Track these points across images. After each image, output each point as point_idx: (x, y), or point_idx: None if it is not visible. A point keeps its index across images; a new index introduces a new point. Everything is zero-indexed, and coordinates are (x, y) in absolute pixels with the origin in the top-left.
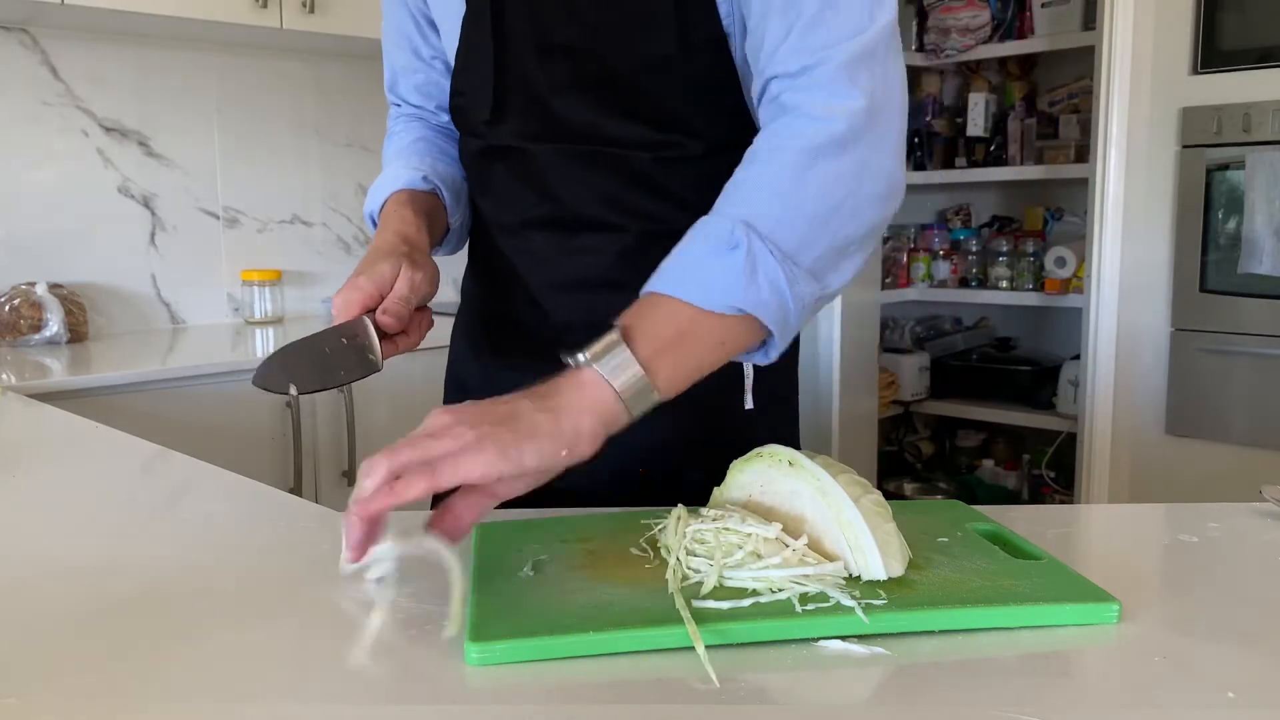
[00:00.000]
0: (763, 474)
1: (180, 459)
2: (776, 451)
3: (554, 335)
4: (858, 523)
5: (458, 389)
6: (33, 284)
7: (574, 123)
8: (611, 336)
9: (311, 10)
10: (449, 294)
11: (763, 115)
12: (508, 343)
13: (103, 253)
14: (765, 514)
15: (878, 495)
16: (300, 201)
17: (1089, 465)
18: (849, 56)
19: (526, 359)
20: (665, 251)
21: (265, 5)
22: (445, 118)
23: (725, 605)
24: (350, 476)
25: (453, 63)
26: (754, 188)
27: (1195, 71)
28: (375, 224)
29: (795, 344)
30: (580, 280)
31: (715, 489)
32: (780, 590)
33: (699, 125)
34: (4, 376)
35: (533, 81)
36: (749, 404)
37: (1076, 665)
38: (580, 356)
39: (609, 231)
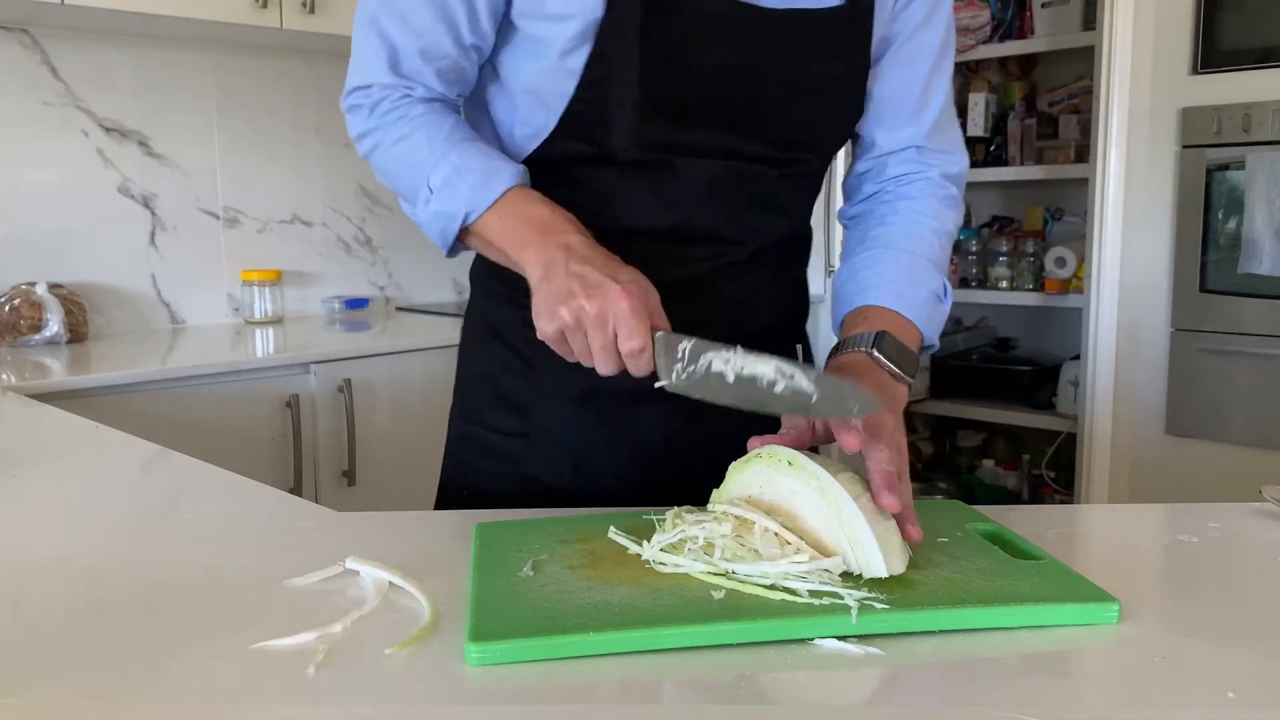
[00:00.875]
0: (762, 474)
1: (180, 459)
2: (776, 451)
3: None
4: (857, 520)
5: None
6: (33, 284)
7: (705, 139)
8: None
9: (311, 10)
10: (448, 294)
11: (894, 172)
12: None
13: (103, 253)
14: (766, 513)
15: None
16: (300, 201)
17: (1089, 465)
18: (963, 178)
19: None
20: (766, 268)
21: (265, 5)
22: (457, 101)
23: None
24: (350, 476)
25: (561, 67)
26: (937, 254)
27: (1195, 71)
28: (466, 223)
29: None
30: (670, 286)
31: (715, 490)
32: (778, 586)
33: (824, 144)
34: (4, 376)
35: (675, 100)
36: None
37: (1076, 665)
38: (881, 358)
39: (721, 245)
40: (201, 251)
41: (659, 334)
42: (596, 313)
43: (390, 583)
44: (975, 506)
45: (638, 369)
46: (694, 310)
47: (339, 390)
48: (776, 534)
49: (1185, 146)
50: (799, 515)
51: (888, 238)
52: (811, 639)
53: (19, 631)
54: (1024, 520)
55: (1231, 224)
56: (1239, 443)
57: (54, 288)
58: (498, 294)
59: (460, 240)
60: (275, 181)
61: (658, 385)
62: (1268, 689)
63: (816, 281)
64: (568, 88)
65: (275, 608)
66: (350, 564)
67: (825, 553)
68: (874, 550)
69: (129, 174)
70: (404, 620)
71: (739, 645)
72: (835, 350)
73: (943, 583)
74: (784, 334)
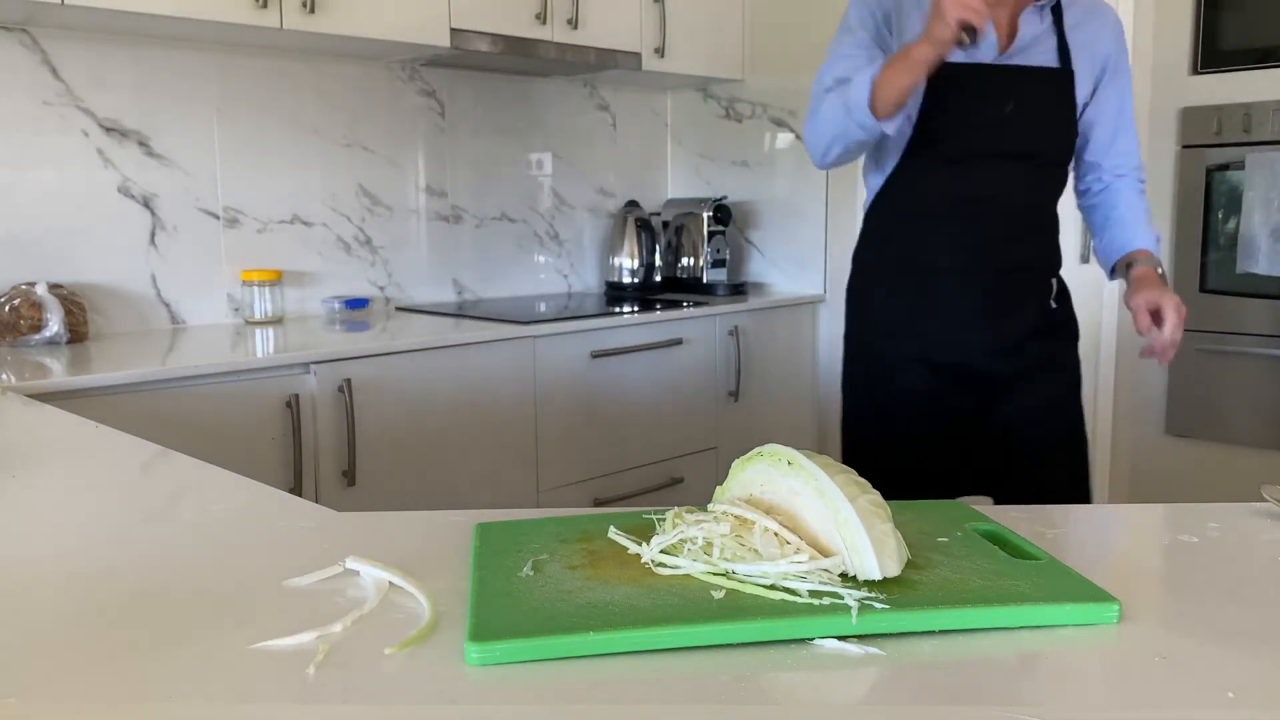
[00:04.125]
0: (763, 472)
1: (180, 459)
2: (777, 451)
3: (952, 280)
4: (853, 522)
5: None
6: (33, 284)
7: (985, 147)
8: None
9: (311, 10)
10: (448, 294)
11: (1106, 175)
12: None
13: (103, 253)
14: (765, 512)
15: (876, 495)
16: (300, 201)
17: (1089, 465)
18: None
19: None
20: (1026, 222)
21: (265, 5)
22: None
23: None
24: (350, 476)
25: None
26: (1147, 215)
27: (1195, 71)
28: (871, 82)
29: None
30: (974, 247)
31: (718, 487)
32: (778, 586)
33: (1049, 152)
34: (4, 376)
35: (969, 125)
36: (1053, 305)
37: (1076, 665)
38: (1159, 269)
39: (996, 205)
40: (201, 251)
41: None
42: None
43: (390, 583)
44: (975, 506)
45: (976, 13)
46: (995, 248)
47: (339, 390)
48: (776, 534)
49: (1185, 146)
50: (798, 515)
51: (1122, 216)
52: (811, 639)
53: (19, 631)
54: (1024, 520)
55: (1231, 224)
56: (1239, 443)
57: (54, 288)
58: (893, 257)
59: (873, 109)
60: (275, 181)
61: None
62: (1268, 689)
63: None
64: (899, 149)
65: (275, 608)
66: (350, 564)
67: (824, 553)
68: (868, 553)
69: (129, 174)
70: (404, 620)
71: (739, 645)
72: (1129, 264)
73: (942, 583)
74: (1043, 271)
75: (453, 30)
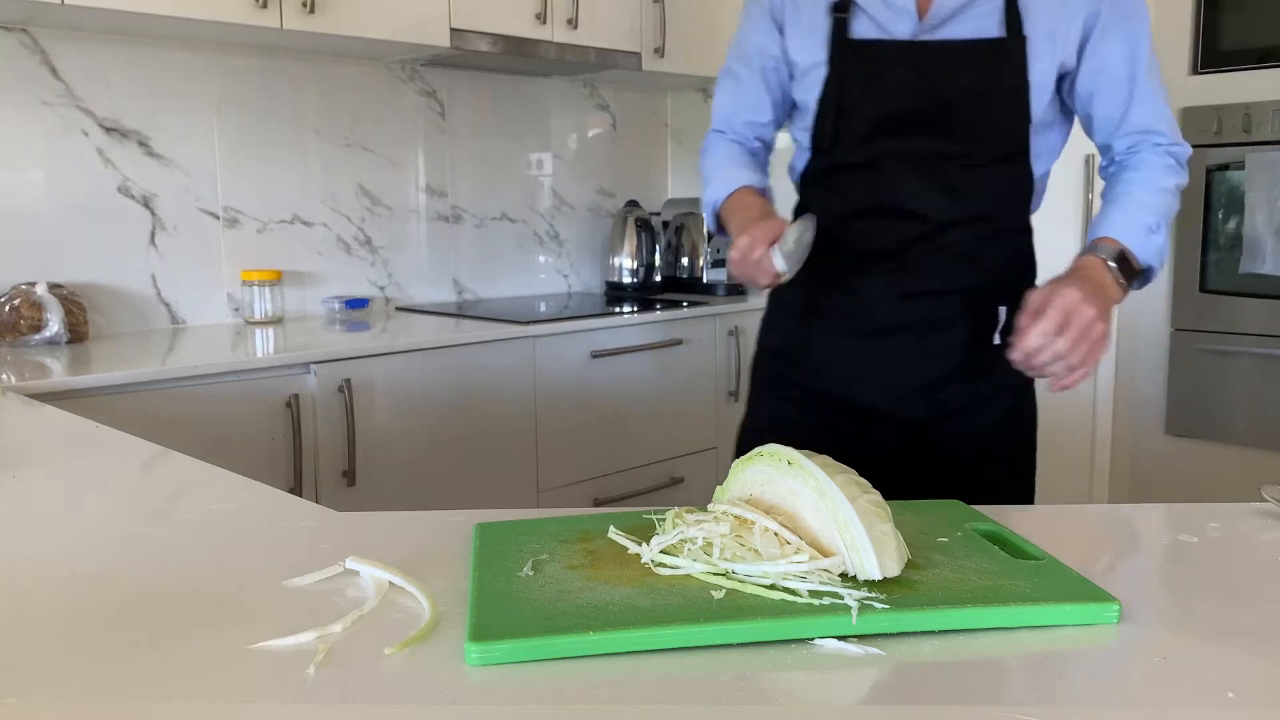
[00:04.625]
0: (763, 472)
1: (180, 459)
2: (777, 451)
3: (863, 296)
4: (854, 523)
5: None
6: (33, 284)
7: (900, 144)
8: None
9: (311, 10)
10: (448, 294)
11: (1119, 155)
12: (828, 300)
13: (103, 253)
14: (766, 512)
15: (876, 495)
16: (300, 201)
17: (1089, 465)
18: (1190, 150)
19: (845, 317)
20: (955, 237)
21: (265, 5)
22: (758, 144)
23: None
24: (350, 476)
25: (808, 111)
26: (1151, 199)
27: (1195, 71)
28: (716, 210)
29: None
30: (883, 252)
31: (718, 486)
32: (778, 586)
33: (991, 140)
34: (4, 376)
35: (875, 118)
36: (996, 341)
37: (1076, 665)
38: (1111, 264)
39: (914, 219)
40: (201, 251)
41: (773, 247)
42: (744, 244)
43: (390, 583)
44: (975, 506)
45: (764, 272)
46: (888, 271)
47: (339, 390)
48: (776, 534)
49: None
50: (798, 515)
51: (1113, 194)
52: (812, 639)
53: (19, 631)
54: (1024, 520)
55: (1231, 224)
56: (1239, 443)
57: (54, 288)
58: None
59: (719, 221)
60: (275, 181)
61: (781, 279)
62: (1268, 689)
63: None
64: (811, 125)
65: (275, 608)
66: (350, 564)
67: (825, 553)
68: (868, 553)
69: (129, 174)
70: (404, 620)
71: (739, 645)
72: (1081, 253)
73: (942, 583)
74: (984, 295)
75: (453, 30)
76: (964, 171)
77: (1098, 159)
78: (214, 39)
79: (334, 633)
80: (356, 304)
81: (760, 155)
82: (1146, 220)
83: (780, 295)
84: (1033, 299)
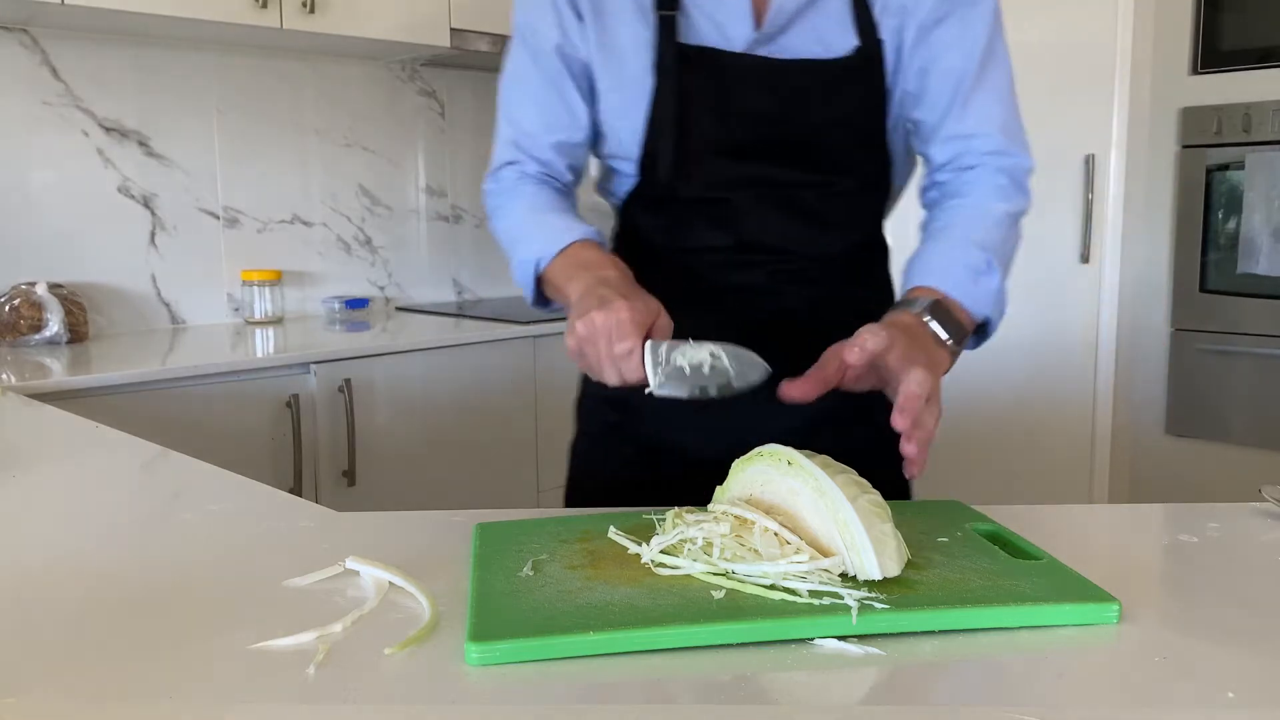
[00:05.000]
0: (763, 472)
1: (180, 459)
2: (777, 451)
3: (713, 332)
4: (853, 523)
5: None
6: (33, 284)
7: (752, 171)
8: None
9: (311, 10)
10: (448, 294)
11: (948, 173)
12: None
13: (103, 253)
14: (766, 512)
15: (876, 495)
16: (300, 201)
17: (1089, 465)
18: (1027, 167)
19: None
20: (831, 278)
21: (265, 5)
22: (569, 178)
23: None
24: (350, 476)
25: (627, 130)
26: (977, 234)
27: (1195, 71)
28: (540, 272)
29: None
30: (747, 287)
31: (718, 487)
32: (778, 586)
33: (856, 168)
34: (4, 376)
35: (720, 143)
36: None
37: (1076, 665)
38: (929, 320)
39: (777, 255)
40: (201, 251)
41: (648, 341)
42: (602, 323)
43: (390, 583)
44: (975, 506)
45: (629, 373)
46: (764, 308)
47: (339, 390)
48: (776, 534)
49: (1185, 146)
50: (798, 515)
51: (931, 231)
52: (812, 639)
53: (19, 631)
54: (1024, 520)
55: (1231, 224)
56: (1239, 443)
57: (54, 288)
58: None
59: (540, 289)
60: (275, 181)
61: (646, 391)
62: (1268, 689)
63: None
64: (636, 145)
65: (275, 608)
66: (350, 564)
67: (825, 553)
68: (868, 553)
69: (129, 174)
70: (404, 620)
71: (739, 645)
72: (889, 311)
73: (943, 583)
74: (856, 325)
75: (453, 30)
76: (821, 201)
77: (1095, 159)
78: (214, 39)
79: (334, 633)
80: (356, 304)
81: (572, 195)
82: (971, 260)
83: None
84: (911, 384)
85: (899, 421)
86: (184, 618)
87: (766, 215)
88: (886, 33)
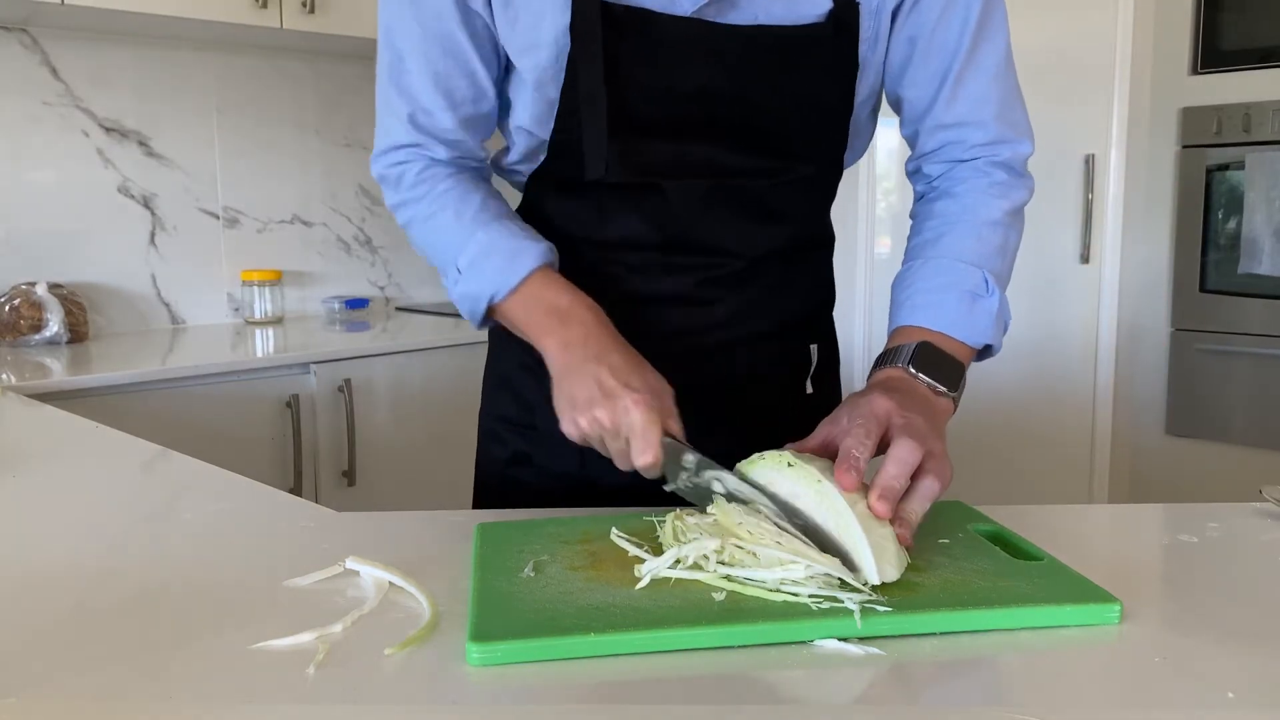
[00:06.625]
0: (765, 475)
1: (180, 459)
2: (781, 454)
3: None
4: (853, 527)
5: (510, 388)
6: (33, 284)
7: (689, 156)
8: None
9: (311, 10)
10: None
11: (937, 164)
12: None
13: (103, 253)
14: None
15: None
16: (300, 201)
17: (1089, 465)
18: (1025, 152)
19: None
20: (771, 275)
21: (265, 5)
22: (482, 154)
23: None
24: (350, 476)
25: (541, 99)
26: (971, 249)
27: (1195, 71)
28: (495, 303)
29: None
30: (675, 296)
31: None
32: (777, 590)
33: (817, 153)
34: (4, 376)
35: (655, 122)
36: (809, 389)
37: (1076, 665)
38: (915, 372)
39: (715, 255)
40: (201, 251)
41: (667, 441)
42: (612, 424)
43: (390, 583)
44: (976, 506)
45: (648, 475)
46: (693, 319)
47: (339, 390)
48: (778, 541)
49: (1185, 146)
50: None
51: (919, 247)
52: (813, 640)
53: (19, 631)
54: (1024, 520)
55: (1231, 224)
56: (1239, 443)
57: (54, 288)
58: None
59: (489, 317)
60: (275, 181)
61: (665, 488)
62: (1268, 689)
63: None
64: (549, 119)
65: (275, 608)
66: (350, 564)
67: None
68: (867, 557)
69: (129, 174)
70: (404, 620)
71: (741, 647)
72: (874, 366)
73: (944, 584)
74: (796, 334)
75: None
76: (774, 190)
77: (1095, 159)
78: (214, 39)
79: (334, 633)
80: (356, 304)
81: (489, 178)
82: (966, 283)
83: (511, 339)
84: (889, 469)
85: (878, 509)
86: (184, 618)
87: (705, 208)
88: None
